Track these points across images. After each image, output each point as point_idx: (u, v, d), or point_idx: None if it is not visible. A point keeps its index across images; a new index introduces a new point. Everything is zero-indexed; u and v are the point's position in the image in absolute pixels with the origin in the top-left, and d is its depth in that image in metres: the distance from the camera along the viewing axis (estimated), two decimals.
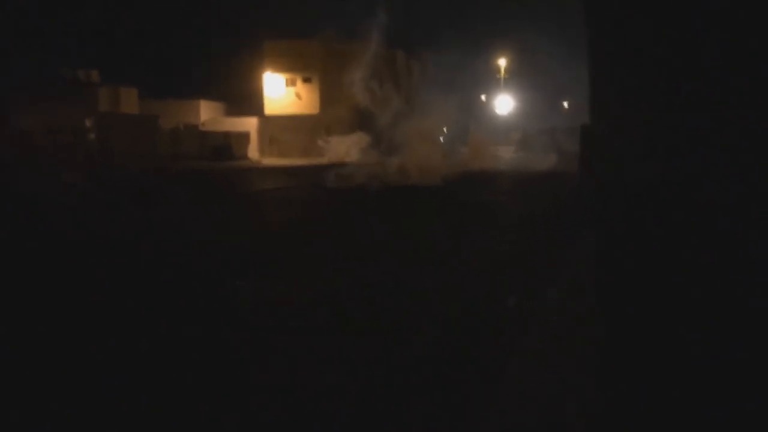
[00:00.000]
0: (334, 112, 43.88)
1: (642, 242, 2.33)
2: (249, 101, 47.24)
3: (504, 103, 61.16)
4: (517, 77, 59.97)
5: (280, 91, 45.68)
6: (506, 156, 41.23)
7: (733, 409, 1.82)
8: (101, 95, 37.99)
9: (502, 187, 18.67)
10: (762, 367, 1.88)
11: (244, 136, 41.72)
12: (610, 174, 2.70)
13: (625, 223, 2.44)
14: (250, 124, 44.35)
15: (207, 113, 46.92)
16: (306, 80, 45.77)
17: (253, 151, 42.23)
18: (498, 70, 60.96)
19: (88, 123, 28.44)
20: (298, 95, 46.05)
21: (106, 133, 28.67)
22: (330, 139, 32.55)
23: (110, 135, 28.85)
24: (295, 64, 45.24)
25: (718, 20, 1.86)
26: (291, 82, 45.82)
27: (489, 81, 62.42)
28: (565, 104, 62.19)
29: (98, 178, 22.29)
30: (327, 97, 44.96)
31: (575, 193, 13.43)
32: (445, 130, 36.07)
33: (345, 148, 31.57)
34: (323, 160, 31.12)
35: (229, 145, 38.75)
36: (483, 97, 65.84)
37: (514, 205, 13.52)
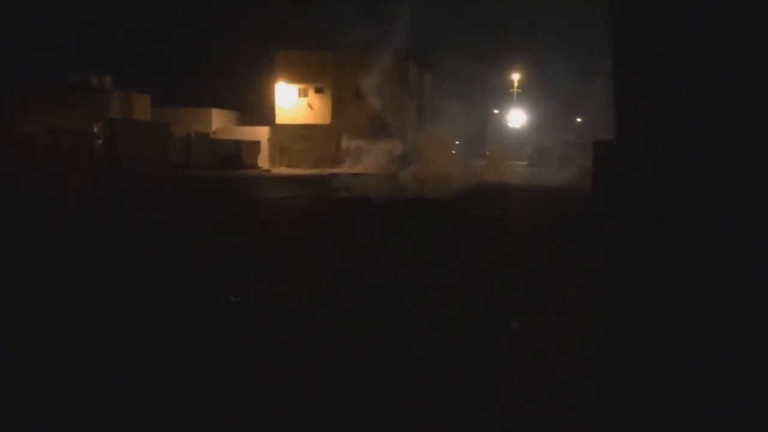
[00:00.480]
0: (346, 123, 44.06)
1: (642, 242, 2.34)
2: (261, 110, 47.51)
3: (516, 117, 61.19)
4: (530, 92, 60.07)
5: (292, 101, 45.90)
6: (519, 170, 41.21)
7: (733, 408, 1.82)
8: (113, 101, 38.34)
9: (516, 201, 18.56)
10: (762, 367, 1.87)
11: (255, 145, 41.91)
12: (614, 175, 2.74)
13: (626, 224, 2.45)
14: (261, 133, 44.58)
15: (219, 122, 47.21)
16: (318, 90, 45.97)
17: (263, 161, 42.40)
18: (511, 84, 61.09)
19: (95, 128, 28.65)
20: (309, 105, 46.23)
21: (114, 138, 28.88)
22: (347, 146, 32.51)
23: (119, 140, 29.06)
24: (307, 75, 45.48)
25: (718, 21, 1.87)
26: (303, 92, 46.03)
27: (502, 95, 62.55)
28: (578, 119, 62.12)
29: (101, 181, 22.49)
30: (339, 108, 45.17)
31: (585, 207, 13.39)
32: (457, 142, 36.10)
33: (361, 157, 31.58)
34: (338, 170, 31.16)
35: (240, 153, 38.93)
36: (496, 111, 65.95)
37: (522, 219, 13.48)
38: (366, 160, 30.50)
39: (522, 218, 13.45)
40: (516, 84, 61.04)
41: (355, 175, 25.26)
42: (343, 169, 29.20)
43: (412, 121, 32.60)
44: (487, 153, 38.76)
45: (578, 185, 20.31)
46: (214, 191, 21.73)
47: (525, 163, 53.89)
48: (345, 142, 32.43)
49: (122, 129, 30.06)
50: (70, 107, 32.78)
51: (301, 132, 44.89)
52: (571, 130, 57.86)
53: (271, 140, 44.68)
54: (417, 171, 23.21)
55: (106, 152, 28.38)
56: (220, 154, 37.74)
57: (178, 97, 49.05)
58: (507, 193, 21.65)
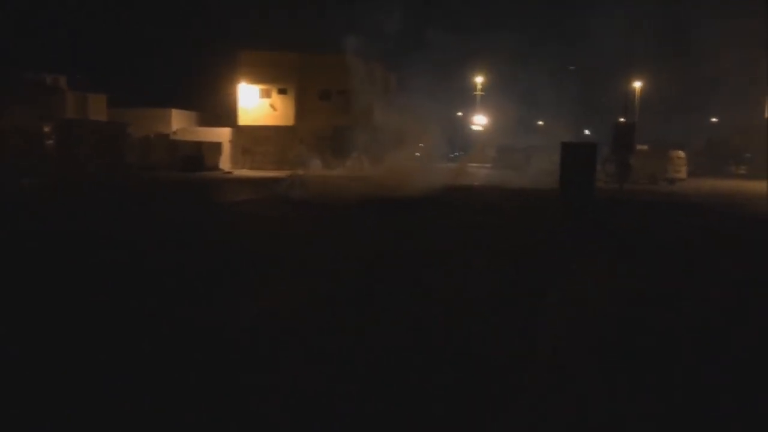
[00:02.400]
0: (310, 124, 43.43)
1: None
2: (223, 111, 46.59)
3: (480, 120, 61.28)
4: (494, 95, 60.17)
5: (255, 102, 45.08)
6: (483, 172, 41.17)
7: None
8: (68, 101, 37.00)
9: (472, 200, 18.40)
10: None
11: (216, 147, 40.98)
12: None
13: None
14: (223, 134, 43.68)
15: (179, 123, 46.13)
16: (281, 91, 45.23)
17: (225, 162, 41.51)
18: (475, 87, 61.11)
19: (46, 129, 27.44)
20: (272, 106, 45.46)
21: (67, 139, 27.71)
22: (310, 148, 31.93)
23: (72, 142, 27.89)
24: (270, 75, 44.72)
25: None
26: (266, 93, 45.23)
27: (465, 97, 62.59)
28: (540, 122, 62.43)
29: (51, 182, 21.65)
30: (302, 109, 44.55)
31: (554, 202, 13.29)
32: (421, 145, 35.82)
33: (325, 159, 31.01)
34: (299, 172, 30.52)
35: (201, 155, 37.96)
36: (459, 114, 66.00)
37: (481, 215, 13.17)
38: (329, 162, 29.99)
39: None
40: (479, 87, 61.12)
41: (317, 176, 24.75)
42: (307, 170, 28.57)
43: (376, 122, 32.17)
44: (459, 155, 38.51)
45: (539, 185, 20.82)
46: (165, 193, 21.02)
47: (489, 165, 54.01)
48: (308, 144, 31.86)
49: (75, 130, 28.86)
50: (22, 107, 31.40)
51: (264, 133, 44.12)
52: (534, 132, 58.14)
53: (233, 141, 43.82)
54: (379, 173, 22.89)
55: (58, 153, 27.17)
56: (180, 156, 36.70)
57: (138, 98, 47.81)
58: (464, 194, 21.42)
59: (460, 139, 67.25)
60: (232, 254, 8.88)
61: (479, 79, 61.11)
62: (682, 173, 35.06)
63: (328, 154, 32.35)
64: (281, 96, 45.18)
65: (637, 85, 49.55)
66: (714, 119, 58.72)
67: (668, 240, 11.37)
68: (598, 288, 6.94)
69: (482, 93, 60.98)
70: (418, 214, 14.02)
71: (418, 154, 34.90)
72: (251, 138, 43.78)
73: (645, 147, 36.33)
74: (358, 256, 8.77)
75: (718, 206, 17.80)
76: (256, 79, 44.70)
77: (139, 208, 15.11)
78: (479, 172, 43.12)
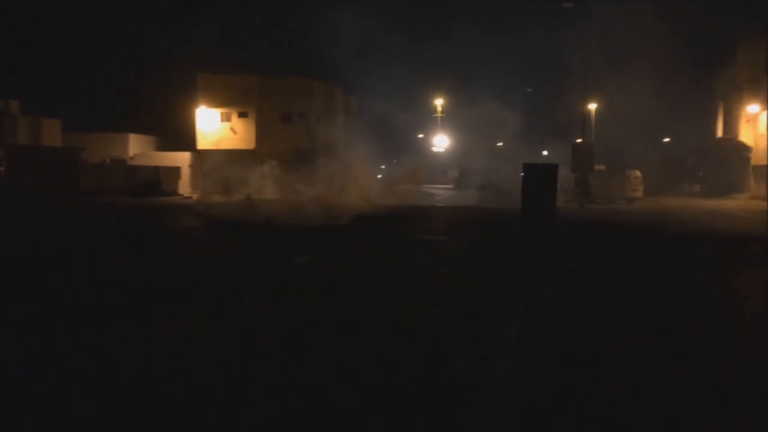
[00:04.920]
0: (271, 148, 42.98)
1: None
2: (182, 135, 45.83)
3: (441, 141, 61.70)
4: (455, 116, 60.73)
5: (215, 126, 44.52)
6: (444, 193, 41.39)
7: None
8: (20, 126, 35.95)
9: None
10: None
11: (175, 171, 40.23)
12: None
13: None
14: (182, 158, 42.92)
15: (137, 147, 45.24)
16: (242, 115, 44.79)
17: (184, 187, 40.73)
18: (435, 109, 61.58)
19: None
20: (233, 130, 44.97)
21: (18, 165, 26.84)
22: (270, 172, 31.57)
23: (24, 167, 27.03)
24: (230, 99, 44.29)
25: None
26: (226, 117, 44.72)
27: (426, 119, 63.04)
28: (499, 144, 63.15)
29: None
30: (263, 133, 44.16)
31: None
32: (383, 167, 35.90)
33: (286, 183, 30.68)
34: (260, 196, 30.13)
35: (158, 180, 37.18)
36: (420, 135, 66.41)
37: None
38: (290, 186, 29.70)
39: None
40: (440, 109, 61.61)
41: (264, 199, 24.58)
42: (267, 194, 28.21)
43: (337, 145, 32.07)
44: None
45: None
46: (108, 219, 20.57)
47: (450, 186, 54.34)
48: (268, 168, 31.51)
49: (26, 155, 27.98)
50: None
51: (225, 157, 43.44)
52: (494, 153, 58.76)
53: (193, 166, 43.08)
54: (327, 195, 23.16)
55: (8, 179, 26.26)
56: (138, 181, 35.89)
57: (95, 122, 46.81)
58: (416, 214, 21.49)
59: (420, 161, 67.44)
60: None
61: (439, 102, 61.68)
62: (639, 192, 35.75)
63: (290, 177, 32.02)
64: (242, 119, 44.76)
65: (592, 106, 50.69)
66: (666, 139, 60.27)
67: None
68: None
69: (442, 115, 61.50)
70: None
71: (380, 176, 34.95)
72: (211, 162, 43.10)
73: (603, 167, 37.00)
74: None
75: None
76: (216, 102, 44.24)
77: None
78: (443, 193, 43.37)
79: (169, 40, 47.21)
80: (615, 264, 11.01)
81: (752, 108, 40.24)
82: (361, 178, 28.57)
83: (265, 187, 29.09)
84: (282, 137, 43.30)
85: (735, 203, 35.04)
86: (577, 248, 13.12)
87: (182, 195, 37.84)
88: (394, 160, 53.38)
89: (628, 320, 6.76)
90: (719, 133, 48.24)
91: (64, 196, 27.62)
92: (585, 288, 8.58)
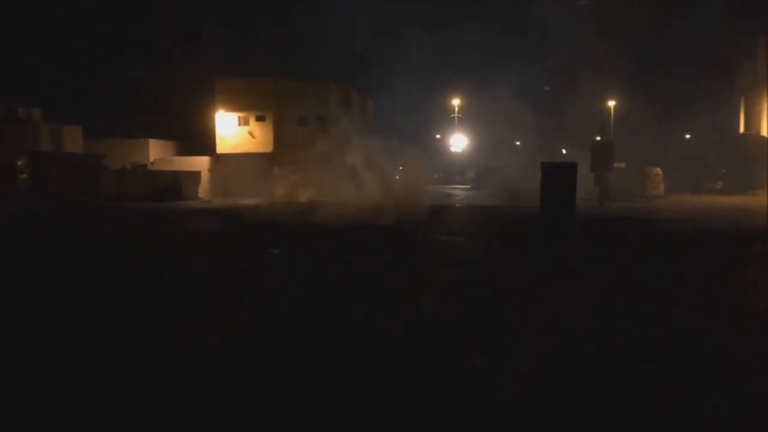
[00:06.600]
0: (289, 151, 43.14)
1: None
2: (201, 140, 46.23)
3: (458, 142, 61.59)
4: (473, 116, 60.58)
5: (233, 130, 44.88)
6: (461, 194, 41.23)
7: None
8: (42, 133, 36.49)
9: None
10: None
11: (195, 176, 40.59)
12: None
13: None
14: (201, 163, 43.30)
15: (157, 152, 45.69)
16: (259, 119, 45.09)
17: (204, 191, 41.08)
18: (452, 109, 61.49)
19: (19, 162, 27.00)
20: (251, 134, 45.28)
21: (41, 172, 27.25)
22: (280, 174, 31.72)
23: (46, 174, 27.43)
24: (248, 103, 44.61)
25: None
26: (244, 121, 45.06)
27: (443, 119, 62.94)
28: (517, 143, 62.91)
29: (22, 214, 21.32)
30: (281, 136, 44.38)
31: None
32: (400, 167, 35.86)
33: (305, 186, 30.89)
34: (279, 199, 30.30)
35: (179, 184, 37.54)
36: (438, 136, 66.36)
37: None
38: (309, 189, 29.82)
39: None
40: (456, 109, 61.49)
41: (292, 202, 24.71)
42: (286, 197, 28.36)
43: (355, 147, 32.13)
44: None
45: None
46: (129, 223, 20.78)
47: (468, 186, 54.20)
48: (285, 171, 31.66)
49: (48, 162, 28.40)
50: None
51: (243, 161, 43.76)
52: (512, 152, 58.49)
53: (212, 170, 43.43)
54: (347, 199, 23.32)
55: (31, 186, 26.67)
56: (158, 186, 36.28)
57: (115, 128, 47.29)
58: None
59: (440, 161, 67.49)
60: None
61: (456, 102, 61.57)
62: (660, 190, 35.36)
63: (318, 179, 32.13)
64: (259, 123, 45.04)
65: (612, 103, 50.24)
66: (687, 135, 59.54)
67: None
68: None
69: (459, 115, 61.36)
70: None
71: (398, 177, 34.93)
72: (230, 166, 43.44)
73: (622, 164, 36.64)
74: None
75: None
76: (234, 106, 44.58)
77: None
78: (460, 193, 43.24)
79: (187, 46, 47.62)
80: (621, 263, 10.88)
81: None
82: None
83: (288, 190, 29.37)
84: (299, 140, 43.49)
85: (758, 200, 34.53)
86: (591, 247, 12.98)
87: (202, 199, 38.18)
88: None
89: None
90: (741, 128, 47.59)
91: (86, 202, 27.97)
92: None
